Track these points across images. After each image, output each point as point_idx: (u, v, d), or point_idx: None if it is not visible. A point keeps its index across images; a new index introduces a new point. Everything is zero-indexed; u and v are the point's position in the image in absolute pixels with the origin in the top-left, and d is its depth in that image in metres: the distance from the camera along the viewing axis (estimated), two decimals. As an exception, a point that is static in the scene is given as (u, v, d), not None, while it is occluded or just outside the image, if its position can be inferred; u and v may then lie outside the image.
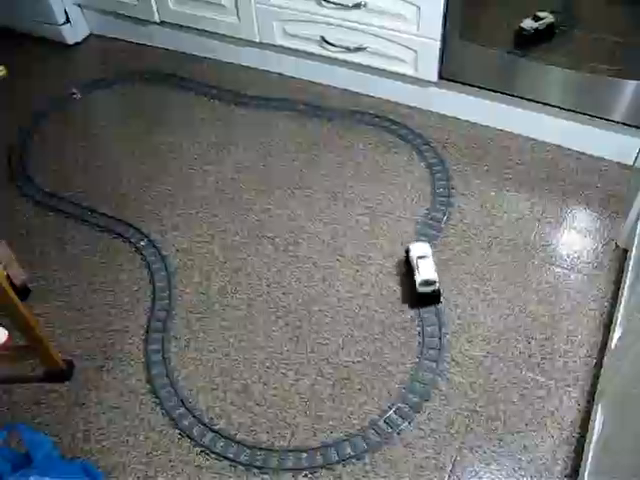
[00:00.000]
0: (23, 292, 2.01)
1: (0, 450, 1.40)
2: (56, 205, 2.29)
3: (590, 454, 1.50)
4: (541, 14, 2.02)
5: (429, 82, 2.40)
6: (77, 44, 2.97)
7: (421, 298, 1.91)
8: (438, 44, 2.25)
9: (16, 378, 1.86)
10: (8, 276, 1.93)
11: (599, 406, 1.57)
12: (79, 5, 2.88)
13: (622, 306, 1.76)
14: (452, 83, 2.36)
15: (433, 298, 1.92)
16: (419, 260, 1.91)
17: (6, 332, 1.72)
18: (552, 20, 1.99)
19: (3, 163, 2.46)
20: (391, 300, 1.95)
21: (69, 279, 2.08)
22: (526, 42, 2.05)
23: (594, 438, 1.52)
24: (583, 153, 2.30)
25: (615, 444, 1.35)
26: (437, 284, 1.89)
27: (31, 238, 2.20)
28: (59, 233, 2.20)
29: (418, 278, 1.89)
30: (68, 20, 2.88)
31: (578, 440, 1.65)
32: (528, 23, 2.00)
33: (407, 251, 1.98)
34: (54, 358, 1.78)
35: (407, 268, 1.98)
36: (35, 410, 1.79)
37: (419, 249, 1.95)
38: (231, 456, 1.67)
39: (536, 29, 2.01)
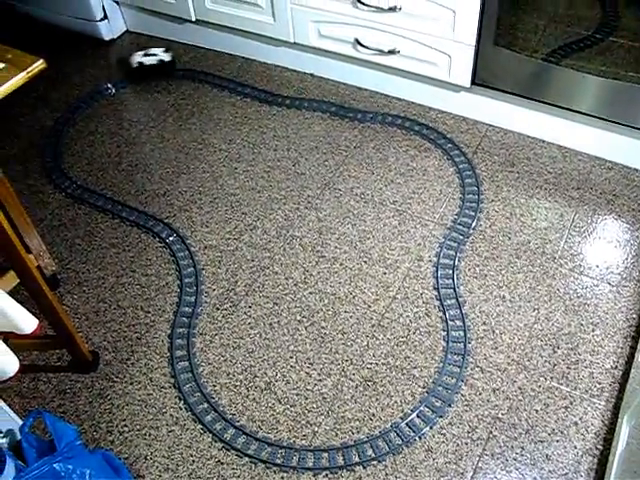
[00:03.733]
0: (53, 283, 2.04)
1: (26, 437, 1.41)
2: (87, 198, 2.32)
3: (614, 467, 1.49)
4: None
5: (462, 87, 2.39)
6: (113, 40, 3.00)
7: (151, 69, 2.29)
8: (472, 49, 2.24)
9: (43, 367, 1.88)
10: (39, 266, 1.96)
11: (624, 418, 1.55)
12: (117, 2, 2.91)
13: (651, 318, 1.74)
14: (485, 89, 2.35)
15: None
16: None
17: (36, 321, 1.74)
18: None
19: (37, 156, 2.49)
20: (417, 304, 1.95)
21: (98, 272, 2.10)
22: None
23: (618, 451, 1.51)
24: (616, 163, 2.28)
25: (640, 457, 1.34)
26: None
27: (62, 230, 2.22)
28: (89, 226, 2.23)
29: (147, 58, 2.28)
30: (105, 16, 2.91)
31: (602, 452, 1.63)
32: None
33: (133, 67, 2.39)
34: (81, 349, 1.80)
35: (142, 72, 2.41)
36: (60, 399, 1.81)
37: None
38: (252, 453, 1.68)
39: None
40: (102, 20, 2.91)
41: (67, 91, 2.75)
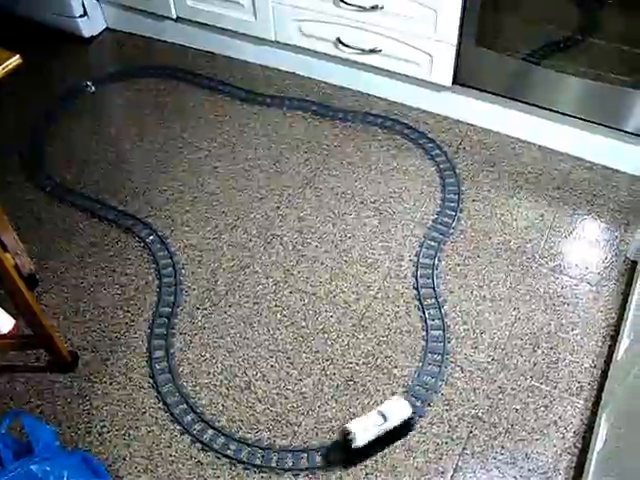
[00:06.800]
0: (31, 282, 2.02)
1: (2, 438, 1.40)
2: (67, 197, 2.30)
3: (592, 465, 1.49)
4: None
5: (443, 87, 2.40)
6: (93, 37, 2.97)
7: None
8: (454, 49, 2.24)
9: (21, 367, 1.86)
10: (16, 265, 1.94)
11: (603, 417, 1.56)
12: (97, -1, 2.90)
13: (629, 318, 1.75)
14: (466, 88, 2.36)
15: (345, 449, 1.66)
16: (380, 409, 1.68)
17: (13, 321, 1.73)
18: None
19: (16, 154, 2.47)
20: (398, 303, 1.95)
21: (77, 271, 2.08)
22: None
23: (597, 449, 1.51)
24: (596, 163, 2.30)
25: (618, 456, 1.34)
26: (352, 441, 1.62)
27: (41, 229, 2.20)
28: (68, 225, 2.21)
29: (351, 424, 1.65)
30: (85, 13, 2.88)
31: (581, 450, 1.64)
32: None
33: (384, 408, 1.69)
34: (59, 349, 1.78)
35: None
36: (38, 400, 1.79)
37: (394, 404, 1.69)
38: (231, 454, 1.67)
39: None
40: (82, 17, 2.87)
41: (46, 89, 2.73)
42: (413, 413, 1.68)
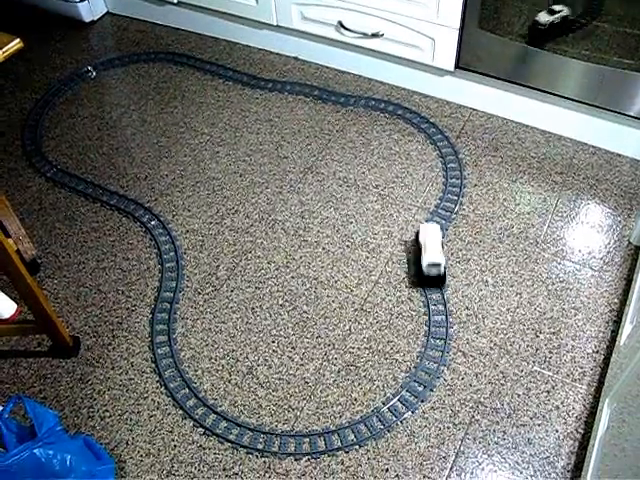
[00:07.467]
0: (33, 267, 2.02)
1: (6, 422, 1.40)
2: (68, 182, 2.29)
3: (595, 450, 1.49)
4: (556, 7, 1.98)
5: (445, 71, 2.38)
6: (93, 22, 2.96)
7: (426, 280, 1.95)
8: (456, 33, 2.23)
9: (23, 352, 1.86)
10: (18, 251, 1.94)
11: (605, 402, 1.56)
12: (97, -18, 2.88)
13: (632, 303, 1.75)
14: (469, 73, 2.35)
15: (438, 280, 1.94)
16: (427, 241, 1.94)
17: (15, 305, 1.73)
18: (567, 13, 1.97)
19: (17, 139, 2.46)
20: (400, 288, 1.95)
21: (79, 256, 2.08)
22: (541, 36, 2.05)
23: (599, 434, 1.51)
24: (599, 148, 2.29)
25: (621, 441, 1.34)
26: (442, 267, 1.92)
27: (42, 214, 2.20)
28: (70, 210, 2.21)
29: (424, 260, 1.91)
30: (86, -3, 2.87)
31: (583, 436, 1.64)
32: (543, 17, 1.97)
33: (417, 232, 2.02)
34: (61, 333, 1.78)
35: (416, 248, 2.01)
36: (41, 385, 1.79)
37: (428, 230, 1.98)
38: (233, 438, 1.67)
39: (551, 23, 1.98)
40: (82, 1, 2.86)
41: (47, 73, 2.71)
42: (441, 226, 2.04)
